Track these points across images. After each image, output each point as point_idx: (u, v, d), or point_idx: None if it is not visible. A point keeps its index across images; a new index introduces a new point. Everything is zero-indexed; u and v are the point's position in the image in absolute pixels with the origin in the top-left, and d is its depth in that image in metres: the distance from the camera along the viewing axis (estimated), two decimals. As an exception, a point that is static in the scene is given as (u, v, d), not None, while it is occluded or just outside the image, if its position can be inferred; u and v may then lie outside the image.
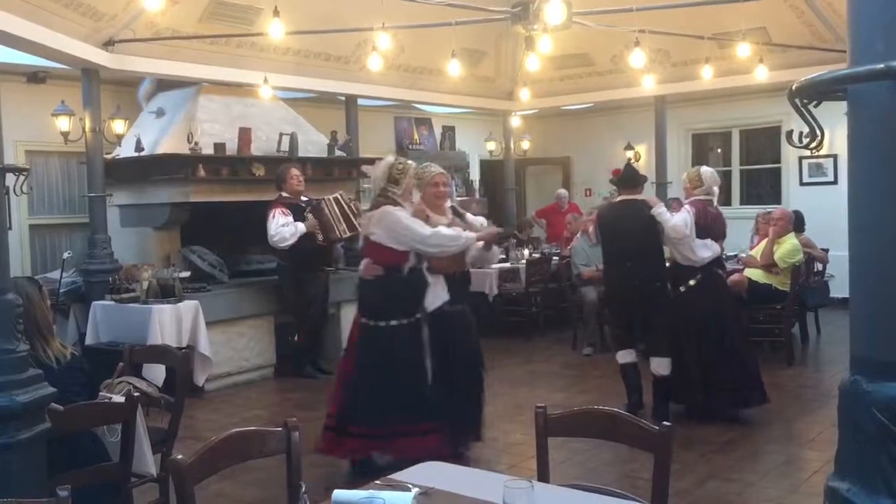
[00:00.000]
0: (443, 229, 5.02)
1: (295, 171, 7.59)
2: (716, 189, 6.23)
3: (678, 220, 5.90)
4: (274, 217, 7.24)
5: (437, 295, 5.07)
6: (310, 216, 7.40)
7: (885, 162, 1.60)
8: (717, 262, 6.19)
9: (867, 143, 1.65)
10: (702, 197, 6.10)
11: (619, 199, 6.37)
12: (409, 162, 5.13)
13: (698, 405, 6.02)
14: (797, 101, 1.68)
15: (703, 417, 5.93)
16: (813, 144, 1.72)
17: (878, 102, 1.60)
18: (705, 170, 6.29)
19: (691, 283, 6.03)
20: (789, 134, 1.72)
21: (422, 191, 5.15)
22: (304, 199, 7.62)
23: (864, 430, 1.58)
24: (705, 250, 5.99)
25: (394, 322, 4.93)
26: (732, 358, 5.94)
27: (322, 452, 5.01)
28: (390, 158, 5.15)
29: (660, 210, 6.02)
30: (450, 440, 4.94)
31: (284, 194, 7.51)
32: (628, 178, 6.27)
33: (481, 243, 5.26)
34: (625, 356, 6.30)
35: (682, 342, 5.98)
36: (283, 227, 7.17)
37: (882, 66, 1.54)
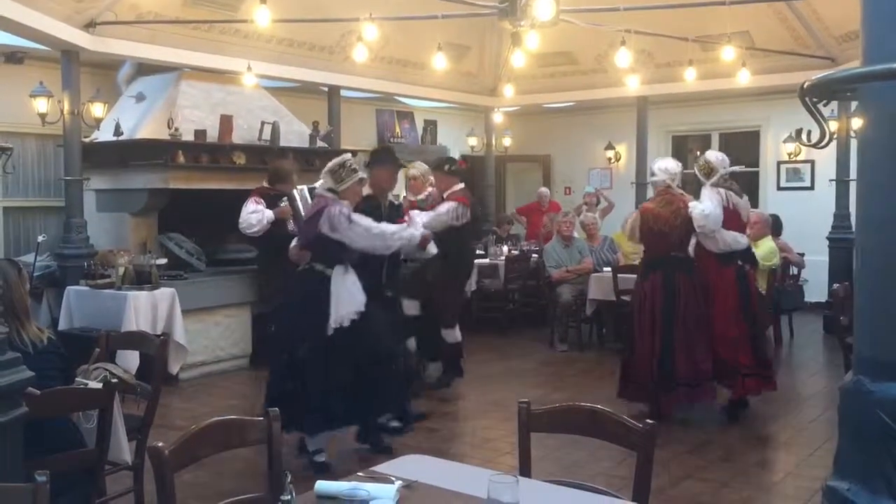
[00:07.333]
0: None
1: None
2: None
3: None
4: (246, 205, 7.16)
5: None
6: (285, 203, 7.32)
7: (895, 159, 1.60)
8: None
9: (878, 140, 1.64)
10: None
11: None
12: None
13: None
14: (807, 99, 1.67)
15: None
16: (822, 143, 1.71)
17: (890, 101, 1.60)
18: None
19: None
20: (798, 132, 1.72)
21: None
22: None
23: (867, 430, 1.55)
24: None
25: None
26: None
27: None
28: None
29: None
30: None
31: (265, 184, 7.40)
32: None
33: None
34: None
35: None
36: (251, 215, 7.10)
37: (896, 64, 1.54)
